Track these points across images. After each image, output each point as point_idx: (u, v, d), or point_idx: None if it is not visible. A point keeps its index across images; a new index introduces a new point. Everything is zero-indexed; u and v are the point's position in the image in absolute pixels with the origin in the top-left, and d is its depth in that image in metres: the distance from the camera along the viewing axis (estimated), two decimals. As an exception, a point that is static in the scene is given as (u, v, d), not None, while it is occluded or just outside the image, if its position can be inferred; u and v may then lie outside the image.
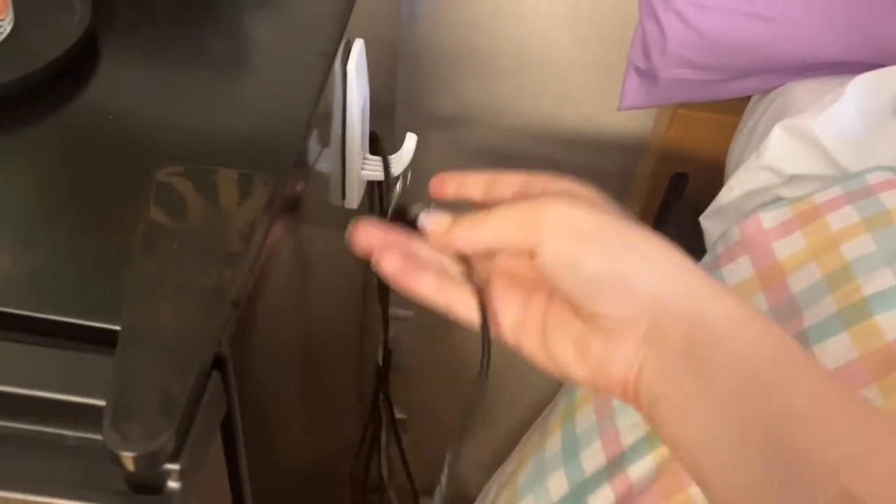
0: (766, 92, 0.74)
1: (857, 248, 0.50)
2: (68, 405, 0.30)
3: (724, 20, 0.67)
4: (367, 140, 0.57)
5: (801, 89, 0.69)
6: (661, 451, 0.53)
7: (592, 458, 0.58)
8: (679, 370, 0.31)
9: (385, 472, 1.00)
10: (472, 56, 0.95)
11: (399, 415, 1.03)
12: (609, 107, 0.95)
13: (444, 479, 0.42)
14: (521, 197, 0.36)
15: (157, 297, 0.32)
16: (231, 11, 0.51)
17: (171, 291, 0.33)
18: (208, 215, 0.36)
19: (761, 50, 0.68)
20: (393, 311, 0.74)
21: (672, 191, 0.90)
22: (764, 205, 0.61)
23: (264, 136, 0.42)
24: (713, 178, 0.78)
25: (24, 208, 0.38)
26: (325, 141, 0.48)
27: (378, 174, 0.56)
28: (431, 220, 0.36)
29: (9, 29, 0.45)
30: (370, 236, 0.36)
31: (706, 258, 0.61)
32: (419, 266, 0.36)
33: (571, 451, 0.59)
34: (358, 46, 0.51)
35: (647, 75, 0.74)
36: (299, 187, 0.43)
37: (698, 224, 0.67)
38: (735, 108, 0.79)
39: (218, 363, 0.32)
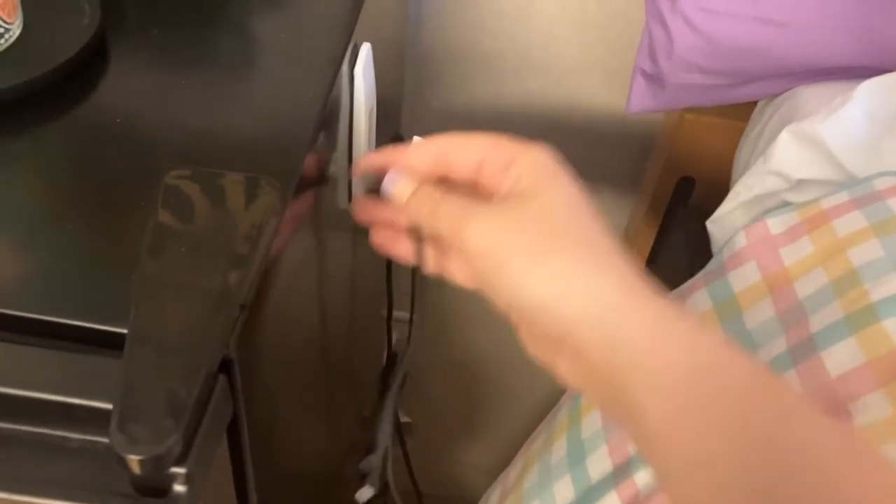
0: (774, 96, 0.74)
1: (865, 253, 0.50)
2: (74, 408, 0.30)
3: (731, 25, 0.66)
4: (374, 143, 0.57)
5: (809, 94, 0.69)
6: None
7: (599, 463, 0.57)
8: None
9: (389, 476, 1.00)
10: (478, 58, 0.95)
11: (404, 418, 1.03)
12: (616, 110, 0.95)
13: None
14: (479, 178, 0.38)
15: (165, 299, 0.32)
16: (239, 14, 0.52)
17: (179, 294, 0.33)
18: (216, 218, 0.36)
19: (769, 55, 0.68)
20: (397, 313, 0.74)
21: (679, 195, 0.90)
22: (771, 210, 0.61)
23: (272, 138, 0.42)
24: (720, 182, 0.78)
25: (32, 210, 0.38)
26: (332, 144, 0.48)
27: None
28: (395, 185, 0.39)
29: (18, 32, 0.45)
30: (366, 212, 0.42)
31: (712, 263, 0.61)
32: (399, 235, 0.41)
33: (577, 456, 0.59)
34: (365, 50, 0.51)
35: (654, 79, 0.74)
36: (306, 190, 0.43)
37: (705, 229, 0.67)
38: (742, 112, 0.78)
39: (224, 366, 0.32)
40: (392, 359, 0.79)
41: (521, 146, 0.37)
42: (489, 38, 0.92)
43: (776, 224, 0.58)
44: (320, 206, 0.48)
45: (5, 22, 0.43)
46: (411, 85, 0.97)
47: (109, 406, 0.29)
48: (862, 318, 0.47)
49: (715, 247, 0.66)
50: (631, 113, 0.77)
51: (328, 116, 0.45)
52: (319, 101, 0.44)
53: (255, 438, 0.37)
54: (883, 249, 0.50)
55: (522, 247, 0.34)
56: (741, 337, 0.53)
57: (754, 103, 0.78)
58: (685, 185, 0.89)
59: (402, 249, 0.41)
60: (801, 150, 0.59)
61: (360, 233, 0.44)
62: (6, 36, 0.44)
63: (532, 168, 0.36)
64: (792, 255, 0.54)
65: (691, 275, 0.62)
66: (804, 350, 0.48)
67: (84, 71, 0.45)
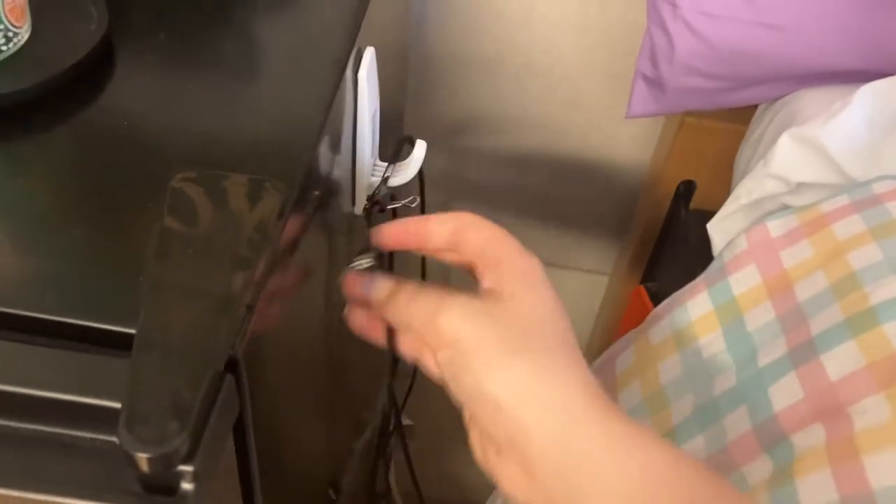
0: (774, 100, 0.74)
1: (864, 256, 0.50)
2: (83, 407, 0.31)
3: (732, 29, 0.67)
4: (378, 147, 0.58)
5: (809, 98, 0.69)
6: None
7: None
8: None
9: (392, 478, 1.00)
10: (480, 63, 0.95)
11: (406, 421, 1.03)
12: (617, 114, 0.96)
13: None
14: (454, 243, 0.39)
15: (172, 301, 0.33)
16: (244, 19, 0.52)
17: (186, 296, 0.33)
18: (222, 220, 0.37)
19: (769, 59, 0.68)
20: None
21: (679, 198, 0.91)
22: (771, 213, 0.61)
23: (277, 142, 0.43)
24: (720, 186, 0.79)
25: (41, 212, 0.39)
26: (336, 148, 0.48)
27: (390, 181, 0.57)
28: (373, 287, 0.40)
29: (27, 36, 0.45)
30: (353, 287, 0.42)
31: (713, 266, 0.61)
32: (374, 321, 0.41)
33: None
34: (369, 55, 0.51)
35: (655, 84, 0.74)
36: (311, 193, 0.43)
37: (705, 232, 0.67)
38: (742, 116, 0.79)
39: (231, 365, 0.32)
40: (395, 361, 0.79)
41: (516, 251, 0.38)
42: (491, 43, 0.93)
43: (776, 227, 0.58)
44: (324, 208, 0.49)
45: (14, 26, 0.44)
46: (413, 89, 0.97)
47: (118, 405, 0.29)
48: (862, 322, 0.47)
49: (715, 250, 0.66)
50: (631, 117, 0.78)
51: (332, 120, 0.46)
52: (324, 105, 0.44)
53: (260, 437, 0.37)
54: (882, 253, 0.50)
55: (492, 342, 0.34)
56: (742, 339, 0.54)
57: (754, 107, 0.78)
58: (685, 189, 0.89)
59: (378, 334, 0.42)
60: (801, 153, 0.60)
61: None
62: (15, 40, 0.44)
63: (518, 274, 0.37)
64: (792, 259, 0.55)
65: (692, 277, 0.62)
66: (804, 353, 0.49)
67: (91, 75, 0.45)
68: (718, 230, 0.66)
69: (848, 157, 0.58)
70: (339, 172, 0.51)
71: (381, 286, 0.40)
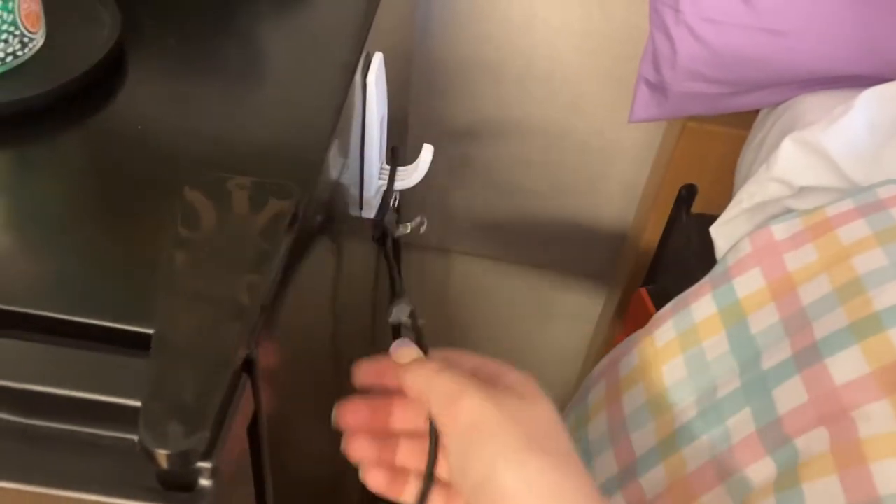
0: (776, 105, 0.74)
1: (869, 261, 0.50)
2: (104, 405, 0.31)
3: (734, 35, 0.67)
4: (385, 151, 0.58)
5: (811, 102, 0.70)
6: (674, 461, 0.53)
7: (604, 466, 0.58)
8: None
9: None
10: (483, 67, 0.96)
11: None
12: (619, 119, 0.96)
13: None
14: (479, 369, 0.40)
15: (189, 302, 0.33)
16: (254, 25, 0.53)
17: (202, 297, 0.34)
18: (235, 223, 0.37)
19: (771, 64, 0.68)
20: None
21: (681, 202, 0.91)
22: (774, 217, 0.61)
23: (289, 145, 0.43)
24: (722, 190, 0.79)
25: (57, 215, 0.39)
26: (345, 151, 0.49)
27: (396, 185, 0.57)
28: (400, 350, 0.41)
29: (41, 42, 0.46)
30: (350, 419, 0.42)
31: (717, 269, 0.61)
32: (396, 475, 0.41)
33: (583, 459, 0.60)
34: (377, 60, 0.52)
35: (658, 88, 0.75)
36: (321, 196, 0.44)
37: (707, 235, 0.68)
38: (744, 121, 0.79)
39: (247, 365, 0.33)
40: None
41: (510, 367, 0.40)
42: (494, 48, 0.94)
43: (780, 230, 0.58)
44: (334, 212, 0.49)
45: (30, 32, 0.44)
46: (417, 93, 0.98)
47: (138, 403, 0.30)
48: (867, 327, 0.47)
49: (718, 253, 0.66)
50: (634, 121, 0.78)
51: (342, 124, 0.46)
52: (334, 109, 0.45)
53: (273, 436, 0.38)
54: (887, 258, 0.50)
55: (511, 432, 0.36)
56: (746, 342, 0.54)
57: (756, 112, 0.79)
58: (687, 192, 0.90)
59: (397, 490, 0.41)
60: (804, 157, 0.60)
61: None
62: (30, 46, 0.45)
63: (521, 380, 0.40)
64: (796, 262, 0.55)
65: (693, 281, 0.62)
66: (809, 357, 0.49)
67: (104, 80, 0.46)
68: (721, 234, 0.67)
69: (850, 161, 0.58)
70: (348, 176, 0.52)
71: (408, 352, 0.41)
